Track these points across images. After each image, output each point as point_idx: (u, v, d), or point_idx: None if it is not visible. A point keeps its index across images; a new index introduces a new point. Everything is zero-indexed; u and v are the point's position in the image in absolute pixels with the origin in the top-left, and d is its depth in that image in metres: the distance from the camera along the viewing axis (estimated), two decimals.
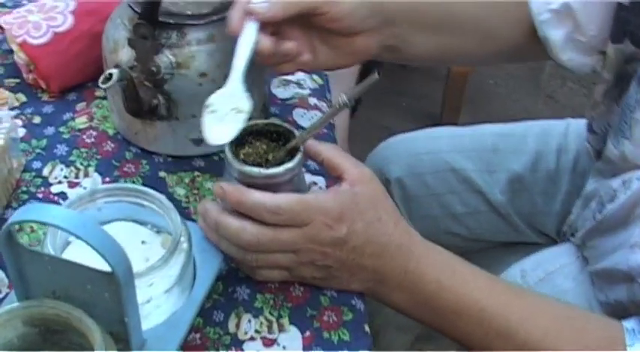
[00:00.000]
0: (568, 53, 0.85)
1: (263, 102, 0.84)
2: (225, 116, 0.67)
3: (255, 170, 0.64)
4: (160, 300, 0.62)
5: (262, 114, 0.83)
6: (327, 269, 0.67)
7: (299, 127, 0.85)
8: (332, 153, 0.68)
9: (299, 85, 0.91)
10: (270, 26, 0.70)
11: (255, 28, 0.69)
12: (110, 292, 0.55)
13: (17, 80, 0.89)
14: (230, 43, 0.75)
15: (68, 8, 0.86)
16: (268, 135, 0.69)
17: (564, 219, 1.00)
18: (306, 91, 0.91)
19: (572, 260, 0.92)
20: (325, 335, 0.67)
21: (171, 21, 0.73)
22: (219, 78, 0.75)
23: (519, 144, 1.07)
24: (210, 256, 0.67)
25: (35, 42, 0.84)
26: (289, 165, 0.65)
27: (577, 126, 1.05)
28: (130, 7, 0.74)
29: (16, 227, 0.71)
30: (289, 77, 0.92)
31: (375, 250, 0.66)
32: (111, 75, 0.68)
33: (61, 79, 0.85)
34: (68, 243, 0.67)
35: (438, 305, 0.68)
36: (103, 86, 0.68)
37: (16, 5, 0.96)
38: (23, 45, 0.84)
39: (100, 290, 0.55)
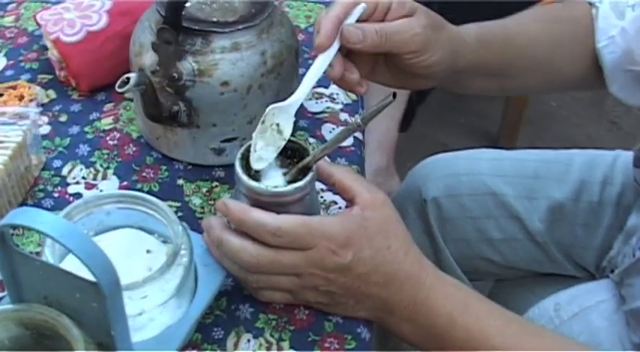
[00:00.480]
0: (619, 81, 0.80)
1: None
2: (267, 129, 0.65)
3: (263, 187, 0.62)
4: (153, 313, 0.60)
5: None
6: (331, 294, 0.64)
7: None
8: (344, 175, 0.66)
9: (332, 99, 0.89)
10: None
11: (337, 48, 0.68)
12: (98, 302, 0.53)
13: (50, 76, 0.89)
14: (254, 53, 0.73)
15: (104, 7, 0.85)
16: (283, 151, 0.67)
17: (605, 254, 0.96)
18: (339, 106, 0.88)
19: (608, 297, 0.87)
20: None
21: (196, 27, 0.71)
22: (241, 88, 0.73)
23: (563, 172, 1.03)
24: (213, 271, 0.65)
25: (68, 39, 0.84)
26: (299, 184, 0.63)
27: (626, 158, 1.00)
28: (158, 10, 0.73)
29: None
30: (323, 90, 0.90)
31: (381, 279, 0.63)
32: (128, 79, 0.67)
33: (91, 78, 0.85)
34: None
35: (448, 339, 0.64)
36: (119, 90, 0.66)
37: (59, 1, 0.96)
38: (56, 42, 0.84)
39: (88, 299, 0.54)
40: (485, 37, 0.80)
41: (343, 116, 0.87)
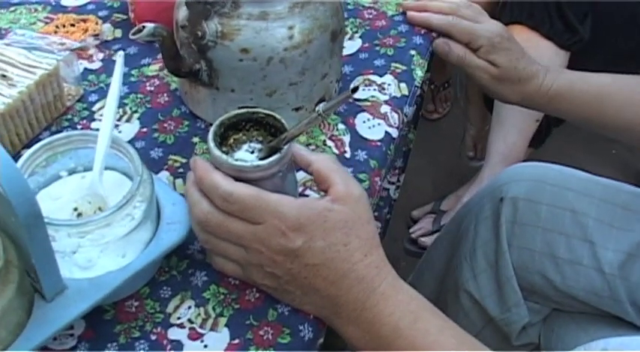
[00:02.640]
0: None
1: (321, 96, 0.79)
2: None
3: (224, 157, 0.61)
4: (90, 254, 0.61)
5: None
6: (277, 279, 0.62)
7: (356, 133, 0.79)
8: (323, 164, 0.63)
9: (381, 88, 0.85)
10: None
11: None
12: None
13: (124, 17, 0.92)
14: (280, 25, 0.71)
15: None
16: (267, 127, 0.65)
17: None
18: (384, 97, 0.83)
19: None
20: (252, 349, 0.62)
21: None
22: (261, 58, 0.72)
23: None
24: (173, 231, 0.65)
25: None
26: (260, 162, 0.61)
27: None
28: None
29: None
30: (375, 78, 0.86)
31: (331, 275, 0.60)
32: (144, 27, 0.68)
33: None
34: (59, 177, 0.69)
35: (390, 348, 0.61)
36: (132, 36, 0.68)
37: None
38: None
39: (19, 224, 0.56)
40: (559, 96, 0.94)
41: (384, 109, 0.82)
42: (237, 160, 0.61)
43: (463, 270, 1.04)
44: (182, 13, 0.74)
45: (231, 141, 0.65)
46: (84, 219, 0.61)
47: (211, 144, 0.62)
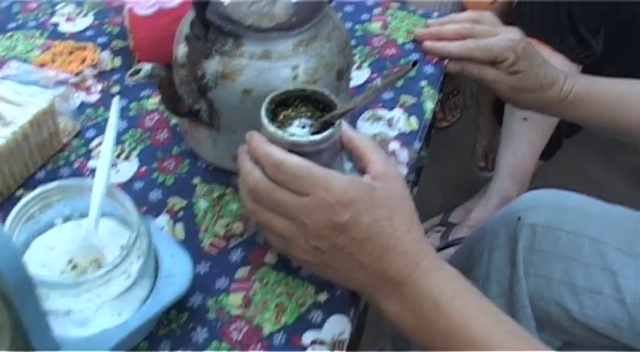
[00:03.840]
0: None
1: None
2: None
3: (279, 133, 0.60)
4: (86, 313, 0.58)
5: None
6: (321, 254, 0.61)
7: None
8: (363, 143, 0.64)
9: (389, 124, 0.81)
10: None
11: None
12: None
13: (124, 44, 0.89)
14: (284, 65, 0.68)
15: None
16: (315, 103, 0.65)
17: None
18: (393, 133, 0.80)
19: None
20: None
21: (226, 27, 0.67)
22: (264, 98, 0.68)
23: None
24: (172, 285, 0.62)
25: (140, 12, 0.83)
26: (315, 137, 0.61)
27: None
28: None
29: None
30: (384, 113, 0.82)
31: (375, 250, 0.60)
32: (140, 70, 0.65)
33: (152, 54, 0.83)
34: (52, 225, 0.66)
35: (432, 327, 0.61)
36: (129, 79, 0.65)
37: None
38: (130, 12, 0.84)
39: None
40: (579, 100, 0.92)
41: (393, 146, 0.79)
42: (292, 135, 0.61)
43: None
44: (181, 50, 0.71)
45: (281, 117, 0.64)
46: (78, 279, 0.58)
47: (265, 120, 0.62)
